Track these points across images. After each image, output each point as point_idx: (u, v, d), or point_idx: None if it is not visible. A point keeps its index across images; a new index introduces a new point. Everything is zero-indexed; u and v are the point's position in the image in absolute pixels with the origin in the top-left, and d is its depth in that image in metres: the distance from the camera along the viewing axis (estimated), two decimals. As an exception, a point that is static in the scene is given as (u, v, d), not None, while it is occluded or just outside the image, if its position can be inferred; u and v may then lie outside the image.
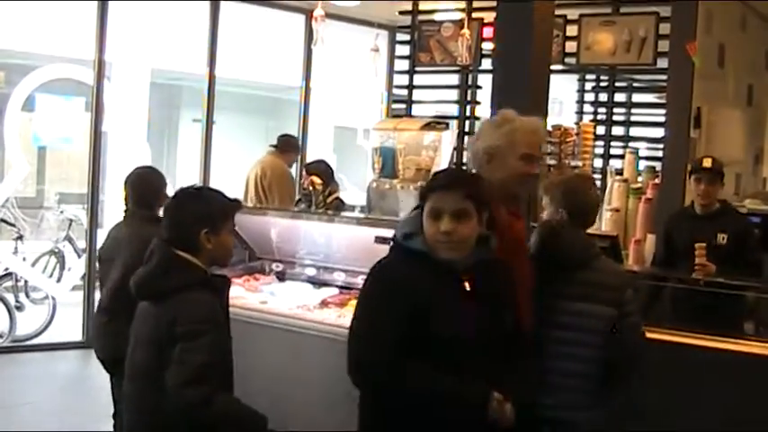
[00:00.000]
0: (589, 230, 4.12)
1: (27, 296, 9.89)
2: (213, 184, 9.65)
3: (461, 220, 3.20)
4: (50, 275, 10.27)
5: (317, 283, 6.50)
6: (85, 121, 9.74)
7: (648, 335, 5.07)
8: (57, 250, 10.57)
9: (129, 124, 11.15)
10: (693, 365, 4.79)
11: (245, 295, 6.26)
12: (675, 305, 5.89)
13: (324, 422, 5.36)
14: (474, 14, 9.64)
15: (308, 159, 9.89)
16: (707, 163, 6.09)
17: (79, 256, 10.32)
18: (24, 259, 10.21)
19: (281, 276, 6.70)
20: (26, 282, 9.91)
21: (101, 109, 9.39)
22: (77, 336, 9.22)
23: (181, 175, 13.44)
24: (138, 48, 11.87)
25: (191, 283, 3.50)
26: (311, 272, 6.61)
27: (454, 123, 9.66)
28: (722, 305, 5.42)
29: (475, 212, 3.22)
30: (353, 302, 6.10)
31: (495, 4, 6.81)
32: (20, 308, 9.56)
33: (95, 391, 7.83)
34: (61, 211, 11.35)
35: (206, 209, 3.65)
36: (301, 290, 6.38)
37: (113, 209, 11.49)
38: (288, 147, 9.22)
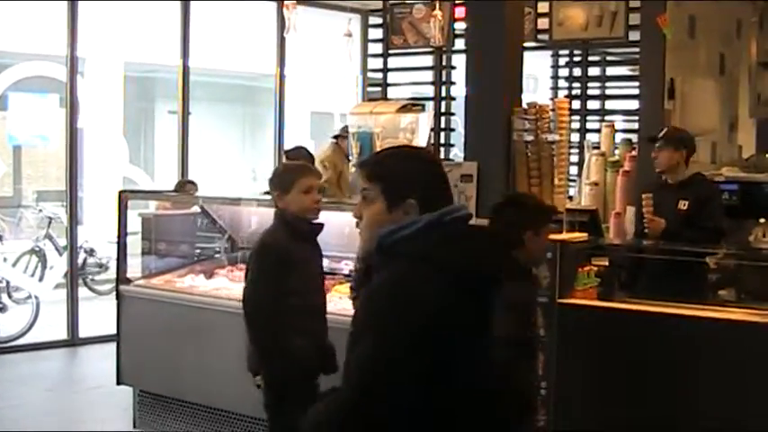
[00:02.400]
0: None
1: (9, 296, 9.85)
2: (192, 176, 9.67)
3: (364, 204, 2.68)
4: (32, 275, 10.25)
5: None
6: (60, 117, 9.70)
7: (629, 306, 5.18)
8: (37, 249, 10.54)
9: (104, 119, 11.13)
10: (656, 333, 4.86)
11: (230, 286, 6.28)
12: (646, 275, 5.95)
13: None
14: (445, -5, 9.64)
15: (287, 146, 9.89)
16: (662, 132, 6.26)
17: (60, 254, 10.29)
18: (5, 259, 10.18)
19: (265, 265, 6.69)
20: (8, 282, 9.88)
21: (75, 105, 9.34)
22: (62, 334, 9.21)
23: (159, 168, 13.41)
24: (110, 42, 11.82)
25: None
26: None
27: (430, 104, 9.67)
28: (682, 272, 5.50)
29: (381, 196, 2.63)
30: (337, 287, 6.15)
31: (466, -16, 6.82)
32: (2, 309, 9.53)
33: (82, 391, 7.87)
34: (40, 210, 11.32)
35: None
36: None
37: (92, 205, 11.48)
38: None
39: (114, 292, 6.76)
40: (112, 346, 6.70)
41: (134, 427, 6.58)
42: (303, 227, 4.61)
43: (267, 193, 7.30)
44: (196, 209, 7.21)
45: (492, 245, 2.80)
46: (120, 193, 6.83)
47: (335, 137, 9.15)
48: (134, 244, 6.97)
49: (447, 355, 2.48)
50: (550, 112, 6.08)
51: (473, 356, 2.56)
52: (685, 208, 5.99)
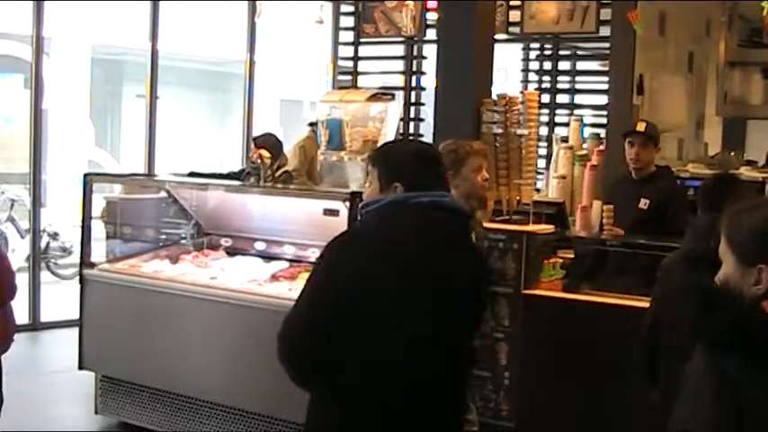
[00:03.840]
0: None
1: (-30, 279, 9.72)
2: (159, 161, 9.61)
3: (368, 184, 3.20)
4: (-7, 257, 10.12)
5: (267, 257, 6.49)
6: (25, 98, 9.58)
7: (594, 298, 5.21)
8: (-1, 232, 10.44)
9: (70, 101, 11.02)
10: (619, 325, 4.88)
11: (195, 271, 6.25)
12: (611, 268, 5.96)
13: (276, 397, 5.38)
14: (418, -15, 9.64)
15: (255, 133, 9.84)
16: (640, 127, 6.14)
17: (23, 237, 10.20)
18: (-34, 242, 10.07)
19: (231, 251, 6.68)
20: (-31, 264, 9.75)
21: (40, 86, 9.20)
22: (24, 319, 9.10)
23: (125, 152, 13.31)
24: (77, 23, 11.69)
25: None
26: (261, 246, 6.60)
27: (400, 94, 9.66)
28: (646, 265, 5.50)
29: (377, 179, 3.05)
30: (304, 275, 6.13)
31: (438, -26, 6.82)
32: (-37, 291, 9.40)
33: (44, 375, 7.79)
34: (2, 192, 11.18)
35: None
36: (251, 264, 6.37)
37: (56, 188, 11.38)
38: None
39: (78, 277, 6.70)
40: (75, 331, 6.63)
41: (96, 412, 6.52)
42: None
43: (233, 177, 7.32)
44: (163, 194, 7.16)
45: (437, 232, 2.98)
46: (85, 175, 6.76)
47: (311, 124, 9.12)
48: (99, 228, 6.91)
49: (357, 318, 2.82)
50: (520, 105, 6.09)
51: (394, 326, 2.86)
52: (646, 207, 5.95)
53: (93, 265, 6.56)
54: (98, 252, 6.74)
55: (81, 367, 6.55)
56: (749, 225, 2.12)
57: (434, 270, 2.93)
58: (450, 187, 3.19)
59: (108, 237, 6.94)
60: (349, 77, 10.37)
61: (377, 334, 2.85)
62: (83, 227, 6.68)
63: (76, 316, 6.61)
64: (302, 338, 2.87)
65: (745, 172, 7.39)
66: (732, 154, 8.78)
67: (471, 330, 3.26)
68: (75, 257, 8.10)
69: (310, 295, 2.90)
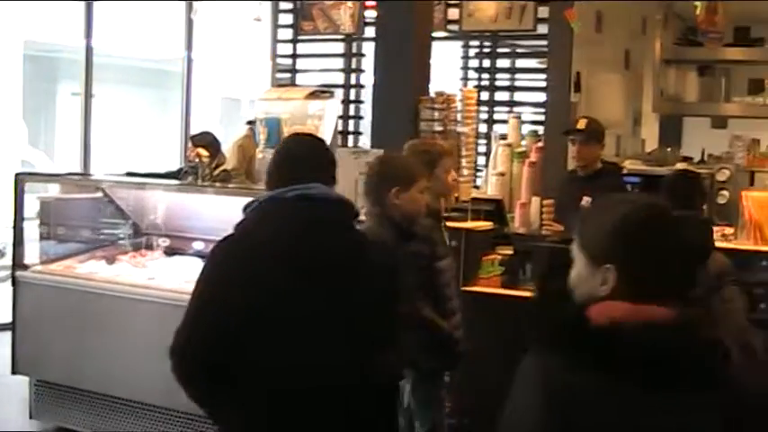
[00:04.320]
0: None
1: None
2: (95, 161, 9.47)
3: None
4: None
5: (205, 257, 6.41)
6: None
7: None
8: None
9: (1, 100, 10.82)
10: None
11: (132, 272, 6.17)
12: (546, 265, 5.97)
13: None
14: (357, -18, 9.61)
15: (194, 131, 9.74)
16: (581, 124, 6.10)
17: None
18: None
19: (169, 251, 6.61)
20: None
21: (-28, 84, 9.03)
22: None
23: (60, 152, 13.11)
24: (8, 18, 11.47)
25: None
26: (199, 246, 6.53)
27: (340, 92, 9.63)
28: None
29: None
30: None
31: (376, -29, 6.80)
32: None
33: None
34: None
35: None
36: (189, 264, 6.30)
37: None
38: None
39: (10, 279, 6.58)
40: (7, 335, 6.51)
41: (30, 417, 6.40)
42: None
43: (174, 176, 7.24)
44: (99, 194, 7.06)
45: (306, 223, 3.02)
46: (17, 175, 6.64)
47: (250, 122, 9.06)
48: (34, 229, 6.79)
49: (237, 314, 2.88)
50: (458, 103, 6.10)
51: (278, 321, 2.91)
52: (587, 205, 5.96)
53: (26, 267, 6.44)
54: (32, 254, 6.62)
55: (14, 372, 6.42)
56: (598, 224, 2.09)
57: (308, 261, 2.97)
58: (330, 179, 3.17)
59: (42, 238, 6.81)
60: (288, 75, 10.32)
61: (264, 332, 2.90)
62: (15, 228, 6.55)
63: (9, 319, 6.48)
64: (188, 346, 2.92)
65: (682, 168, 7.46)
66: (669, 150, 8.90)
67: (383, 332, 3.15)
68: (8, 259, 7.93)
69: (193, 303, 2.95)
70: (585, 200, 5.94)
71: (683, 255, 2.08)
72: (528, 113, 9.21)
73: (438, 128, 6.02)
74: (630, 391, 1.90)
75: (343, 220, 3.16)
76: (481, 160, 8.75)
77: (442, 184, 4.60)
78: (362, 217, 3.93)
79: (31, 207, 6.78)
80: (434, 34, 6.68)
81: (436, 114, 6.00)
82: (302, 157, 3.18)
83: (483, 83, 9.59)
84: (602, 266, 2.03)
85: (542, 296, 2.17)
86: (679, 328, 1.95)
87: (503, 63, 9.67)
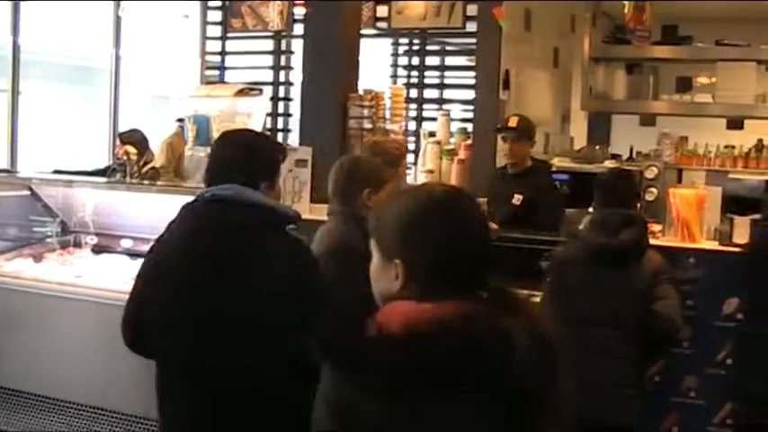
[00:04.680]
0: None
1: None
2: (22, 158, 9.35)
3: None
4: None
5: (134, 254, 6.39)
6: None
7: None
8: None
9: None
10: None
11: (59, 270, 6.12)
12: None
13: (146, 396, 5.31)
14: (285, -20, 9.61)
15: (122, 129, 9.66)
16: (512, 122, 6.14)
17: None
18: None
19: (97, 249, 6.56)
20: None
21: None
22: None
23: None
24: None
25: None
26: (127, 243, 6.50)
27: (269, 89, 9.62)
28: (516, 259, 5.55)
29: None
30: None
31: (305, -31, 6.82)
32: None
33: None
34: None
35: None
36: (118, 262, 6.27)
37: None
38: None
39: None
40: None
41: (-47, 417, 6.33)
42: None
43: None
44: (26, 192, 6.99)
45: (216, 223, 3.19)
46: (-60, 173, 6.56)
47: (179, 120, 9.01)
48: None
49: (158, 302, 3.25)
50: (386, 100, 6.14)
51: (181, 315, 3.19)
52: (518, 203, 5.98)
53: (-53, 265, 6.36)
54: (-45, 252, 6.54)
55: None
56: (387, 216, 2.04)
57: (207, 263, 3.15)
58: (252, 179, 3.24)
59: (-35, 236, 6.74)
60: (217, 72, 10.28)
61: (171, 317, 3.21)
62: (-65, 226, 6.47)
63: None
64: (124, 322, 3.41)
65: (610, 165, 7.59)
66: (597, 148, 9.01)
67: (294, 331, 3.18)
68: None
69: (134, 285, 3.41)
70: (517, 197, 6.01)
71: (470, 246, 2.00)
72: (457, 111, 9.29)
73: (367, 125, 6.06)
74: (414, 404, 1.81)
75: (251, 224, 3.19)
76: (410, 158, 8.80)
77: (404, 183, 4.67)
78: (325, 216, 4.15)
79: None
80: (363, 32, 6.70)
81: (365, 112, 6.04)
82: (224, 158, 3.31)
83: (412, 80, 9.65)
84: (393, 261, 1.99)
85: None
86: (459, 333, 1.84)
87: (432, 61, 9.73)
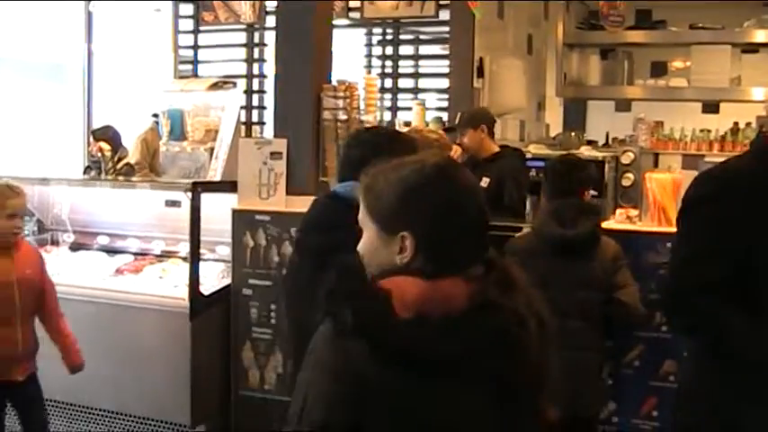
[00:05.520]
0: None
1: None
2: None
3: None
4: None
5: (111, 251, 6.38)
6: None
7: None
8: None
9: None
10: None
11: (35, 268, 6.08)
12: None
13: (124, 391, 5.29)
14: (256, -28, 9.56)
15: (95, 125, 9.60)
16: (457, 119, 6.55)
17: None
18: None
19: (74, 247, 6.54)
20: None
21: None
22: None
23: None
24: None
25: None
26: (104, 240, 6.48)
27: (242, 82, 9.58)
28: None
29: None
30: (149, 268, 6.06)
31: (276, -40, 6.78)
32: None
33: None
34: None
35: None
36: (95, 259, 6.25)
37: None
38: None
39: None
40: None
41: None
42: None
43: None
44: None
45: None
46: None
47: (154, 115, 8.95)
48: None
49: None
50: (360, 90, 6.13)
51: None
52: (486, 186, 6.03)
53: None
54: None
55: None
56: (387, 190, 1.98)
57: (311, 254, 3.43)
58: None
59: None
60: (190, 67, 10.23)
61: None
62: None
63: None
64: None
65: (586, 152, 7.60)
66: (573, 134, 9.03)
67: None
68: None
69: None
70: (485, 180, 6.07)
71: (475, 214, 1.98)
72: (432, 100, 9.28)
73: (342, 116, 6.04)
74: (430, 383, 1.83)
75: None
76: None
77: None
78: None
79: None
80: (336, 22, 6.68)
81: (339, 103, 6.02)
82: (346, 156, 3.65)
83: (386, 70, 9.63)
84: (398, 234, 1.94)
85: (341, 270, 1.98)
86: (474, 315, 1.86)
87: (406, 50, 9.72)
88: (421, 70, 9.85)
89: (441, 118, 8.24)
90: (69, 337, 4.88)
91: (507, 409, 1.89)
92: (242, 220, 5.69)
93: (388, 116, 9.06)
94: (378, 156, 3.19)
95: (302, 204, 4.26)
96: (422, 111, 8.21)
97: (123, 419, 5.62)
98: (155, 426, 5.64)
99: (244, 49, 10.02)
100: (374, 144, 3.44)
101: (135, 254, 6.34)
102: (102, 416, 5.62)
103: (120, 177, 6.75)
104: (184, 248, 5.95)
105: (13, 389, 4.73)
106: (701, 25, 9.63)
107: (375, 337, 1.82)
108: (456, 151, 5.97)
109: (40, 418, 4.88)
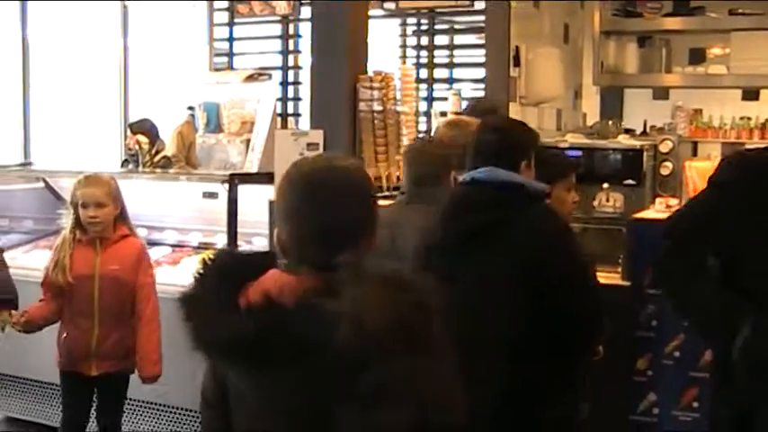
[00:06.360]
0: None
1: None
2: (35, 150, 9.37)
3: None
4: None
5: (149, 243, 6.40)
6: None
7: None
8: None
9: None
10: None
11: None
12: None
13: (164, 383, 5.32)
14: (292, -37, 9.57)
15: (132, 119, 9.66)
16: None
17: None
18: None
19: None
20: None
21: None
22: None
23: None
24: None
25: None
26: (142, 232, 6.50)
27: (277, 74, 9.59)
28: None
29: None
30: (186, 260, 6.08)
31: (311, -49, 6.78)
32: None
33: None
34: None
35: None
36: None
37: None
38: None
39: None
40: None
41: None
42: None
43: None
44: (40, 184, 7.01)
45: None
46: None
47: (189, 108, 8.99)
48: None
49: None
50: (396, 81, 6.12)
51: None
52: None
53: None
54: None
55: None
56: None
57: (458, 236, 3.57)
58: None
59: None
60: (225, 59, 10.26)
61: None
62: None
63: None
64: None
65: (624, 141, 7.53)
66: (610, 123, 8.95)
67: None
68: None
69: None
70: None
71: (320, 221, 2.07)
72: (468, 89, 9.24)
73: (377, 107, 6.04)
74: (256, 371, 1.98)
75: (499, 200, 3.48)
76: (423, 138, 8.77)
77: None
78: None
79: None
80: (371, 13, 6.66)
81: (375, 94, 6.01)
82: (480, 143, 3.63)
83: (422, 60, 9.60)
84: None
85: None
86: (299, 308, 1.94)
87: (441, 40, 9.68)
88: (456, 60, 9.81)
89: (476, 107, 8.19)
90: (145, 347, 4.77)
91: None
92: (279, 211, 5.67)
93: (423, 106, 9.03)
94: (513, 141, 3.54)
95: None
96: (458, 101, 8.18)
97: (166, 411, 5.65)
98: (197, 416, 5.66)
99: (279, 41, 10.03)
100: (508, 129, 3.68)
101: (173, 246, 6.38)
102: (147, 408, 5.66)
103: (158, 170, 6.79)
104: (222, 240, 5.97)
105: (88, 382, 4.71)
106: (740, 11, 9.49)
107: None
108: None
109: (109, 419, 4.84)
